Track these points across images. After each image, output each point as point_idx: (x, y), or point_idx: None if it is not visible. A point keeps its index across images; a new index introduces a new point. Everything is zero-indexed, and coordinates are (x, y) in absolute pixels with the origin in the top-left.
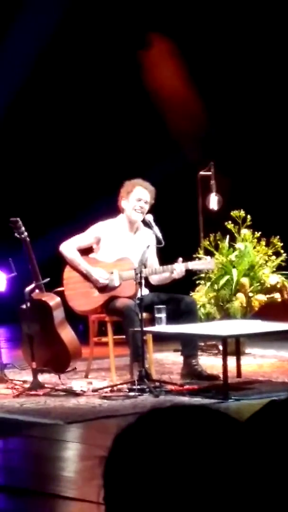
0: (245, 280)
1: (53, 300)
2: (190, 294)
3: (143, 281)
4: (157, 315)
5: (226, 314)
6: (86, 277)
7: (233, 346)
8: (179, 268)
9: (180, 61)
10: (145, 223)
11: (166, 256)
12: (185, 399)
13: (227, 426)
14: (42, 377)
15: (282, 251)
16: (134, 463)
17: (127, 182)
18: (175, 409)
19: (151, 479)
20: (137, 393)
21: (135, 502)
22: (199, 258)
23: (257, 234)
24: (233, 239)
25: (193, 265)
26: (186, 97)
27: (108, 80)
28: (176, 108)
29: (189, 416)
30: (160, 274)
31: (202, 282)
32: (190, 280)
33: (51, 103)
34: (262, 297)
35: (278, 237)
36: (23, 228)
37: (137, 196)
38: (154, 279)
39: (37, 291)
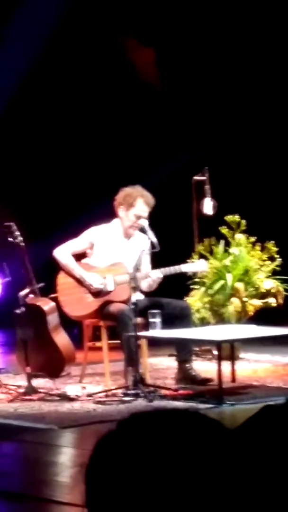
0: (239, 285)
1: (47, 304)
2: (185, 299)
3: (137, 285)
4: (151, 320)
5: (221, 319)
6: (80, 282)
7: (227, 351)
8: (154, 275)
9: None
10: (140, 228)
11: (161, 261)
12: (179, 404)
13: (207, 429)
14: (37, 382)
15: (276, 256)
16: (114, 469)
17: (128, 189)
18: (154, 414)
19: (130, 483)
20: (131, 398)
21: (115, 507)
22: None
23: (252, 239)
24: (227, 244)
25: (185, 267)
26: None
27: (103, 85)
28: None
29: (168, 421)
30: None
31: (197, 286)
32: (184, 285)
33: (44, 110)
34: (257, 302)
35: (273, 242)
36: (17, 233)
37: (138, 213)
38: (143, 285)
39: (31, 295)
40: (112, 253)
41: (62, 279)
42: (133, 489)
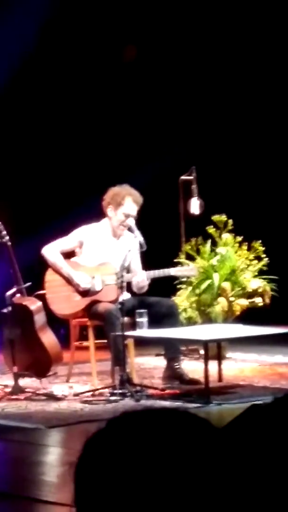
0: (226, 285)
1: (34, 304)
2: (172, 298)
3: (124, 285)
4: (138, 320)
5: (208, 319)
6: (68, 280)
7: (214, 350)
8: (141, 277)
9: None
10: (127, 228)
11: (148, 260)
12: (166, 403)
13: (197, 428)
14: (23, 382)
15: (263, 255)
16: (103, 468)
17: (116, 188)
18: (145, 413)
19: (120, 482)
20: (118, 398)
21: (104, 506)
22: (182, 264)
23: (239, 239)
24: (214, 244)
25: (175, 271)
26: None
27: (91, 85)
28: None
29: (158, 420)
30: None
31: (184, 286)
32: (171, 284)
33: (30, 109)
34: (244, 302)
35: (259, 241)
36: (4, 232)
37: (127, 211)
38: (134, 287)
39: (18, 295)
40: (101, 252)
41: (49, 276)
42: (123, 487)
